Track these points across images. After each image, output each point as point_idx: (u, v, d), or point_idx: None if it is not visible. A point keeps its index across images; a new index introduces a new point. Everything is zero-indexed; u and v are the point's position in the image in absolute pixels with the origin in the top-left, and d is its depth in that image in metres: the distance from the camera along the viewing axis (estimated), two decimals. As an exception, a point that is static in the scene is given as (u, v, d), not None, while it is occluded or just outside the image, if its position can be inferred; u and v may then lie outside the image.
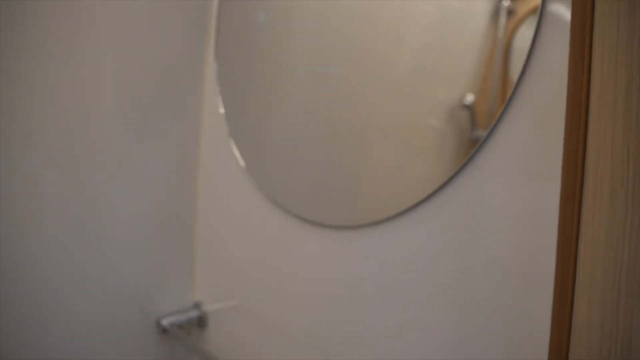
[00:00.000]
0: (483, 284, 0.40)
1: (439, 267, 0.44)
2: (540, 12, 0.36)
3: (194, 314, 0.72)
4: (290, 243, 0.59)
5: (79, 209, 0.62)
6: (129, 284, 0.67)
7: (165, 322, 0.68)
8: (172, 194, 0.71)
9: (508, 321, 0.39)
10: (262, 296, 0.63)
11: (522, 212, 0.38)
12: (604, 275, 0.28)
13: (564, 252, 0.30)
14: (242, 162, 0.63)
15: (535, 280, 0.37)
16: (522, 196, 0.38)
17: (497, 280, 0.40)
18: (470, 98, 0.40)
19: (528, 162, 0.38)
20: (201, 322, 0.72)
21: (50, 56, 0.58)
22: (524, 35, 0.37)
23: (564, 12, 0.35)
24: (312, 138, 0.56)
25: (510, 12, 0.38)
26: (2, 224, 0.56)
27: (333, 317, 0.54)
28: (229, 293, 0.69)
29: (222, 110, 0.67)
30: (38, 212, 0.59)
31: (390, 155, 0.48)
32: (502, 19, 0.39)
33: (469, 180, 0.41)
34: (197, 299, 0.74)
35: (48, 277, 0.60)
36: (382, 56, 0.48)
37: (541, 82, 0.37)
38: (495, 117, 0.38)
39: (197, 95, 0.71)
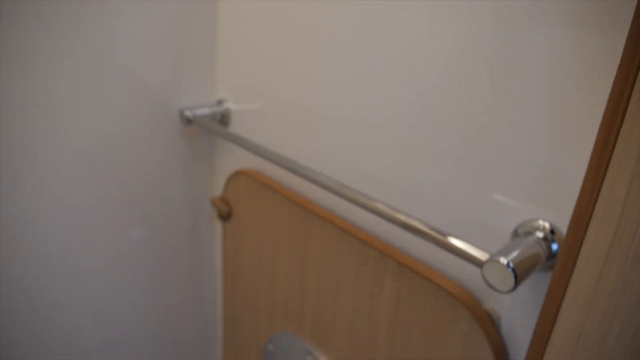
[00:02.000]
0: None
1: None
2: None
3: (217, 109, 0.72)
4: (315, 12, 0.55)
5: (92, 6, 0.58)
6: (149, 75, 0.67)
7: (188, 113, 0.69)
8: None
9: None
10: (288, 83, 0.61)
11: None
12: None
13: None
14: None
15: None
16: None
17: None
18: None
19: None
20: (224, 119, 0.73)
21: None
22: None
23: None
24: None
25: None
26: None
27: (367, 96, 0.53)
28: (252, 88, 0.68)
29: None
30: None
31: None
32: None
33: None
34: (219, 97, 0.74)
35: (69, 74, 0.59)
36: None
37: None
38: None
39: None
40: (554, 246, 0.38)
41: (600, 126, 0.31)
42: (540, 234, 0.38)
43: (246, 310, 0.76)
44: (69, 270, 0.69)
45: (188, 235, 0.82)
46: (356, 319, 0.55)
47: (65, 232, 0.66)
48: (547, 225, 0.38)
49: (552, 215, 0.38)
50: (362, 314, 0.54)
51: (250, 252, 0.71)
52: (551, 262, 0.38)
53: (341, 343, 0.58)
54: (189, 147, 0.75)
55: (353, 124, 0.54)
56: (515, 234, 0.40)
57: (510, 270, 0.33)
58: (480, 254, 0.37)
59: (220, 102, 0.73)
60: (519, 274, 0.34)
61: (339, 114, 0.55)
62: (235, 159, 0.74)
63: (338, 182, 0.51)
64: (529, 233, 0.38)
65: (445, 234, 0.40)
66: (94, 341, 0.76)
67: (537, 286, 0.41)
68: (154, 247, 0.77)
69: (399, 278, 0.48)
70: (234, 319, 0.80)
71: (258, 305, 0.72)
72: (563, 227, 0.38)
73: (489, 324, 0.42)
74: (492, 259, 0.34)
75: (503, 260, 0.33)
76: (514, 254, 0.34)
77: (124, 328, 0.79)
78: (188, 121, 0.70)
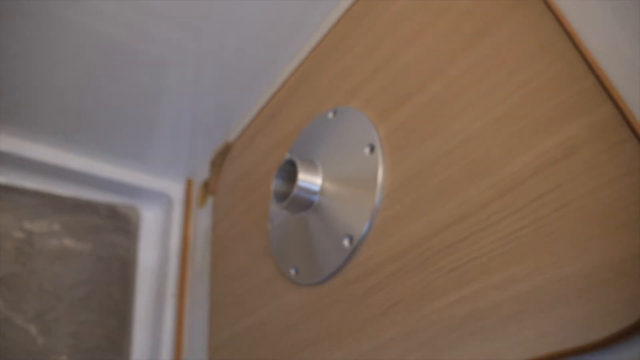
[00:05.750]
0: None
1: None
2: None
3: None
4: None
5: None
6: None
7: None
8: None
9: None
10: None
11: None
12: None
13: None
14: None
15: None
16: None
17: None
18: None
19: None
20: None
21: None
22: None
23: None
24: None
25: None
26: None
27: None
28: None
29: None
30: None
31: None
32: None
33: None
34: None
35: None
36: None
37: None
38: None
39: None
40: None
41: None
42: None
43: (336, 63, 0.61)
44: None
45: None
46: (469, 146, 0.40)
47: None
48: None
49: None
50: (479, 147, 0.38)
51: (396, 8, 0.54)
52: None
53: (420, 161, 0.44)
54: None
55: None
56: None
57: None
58: None
59: None
60: None
61: None
62: None
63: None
64: None
65: None
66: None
67: None
68: None
69: (602, 130, 0.31)
70: (318, 63, 0.66)
71: (353, 67, 0.57)
72: None
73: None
74: None
75: None
76: None
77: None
78: None
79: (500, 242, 0.34)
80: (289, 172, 0.54)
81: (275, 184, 0.55)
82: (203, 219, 0.94)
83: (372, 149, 0.49)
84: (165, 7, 0.70)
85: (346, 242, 0.48)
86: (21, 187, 0.94)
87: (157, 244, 1.03)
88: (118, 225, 1.04)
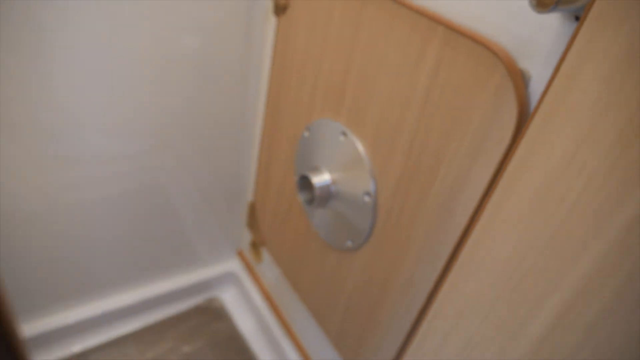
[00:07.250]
0: None
1: None
2: None
3: None
4: None
5: None
6: None
7: None
8: None
9: None
10: None
11: None
12: None
13: None
14: None
15: None
16: None
17: None
18: None
19: None
20: None
21: None
22: None
23: None
24: None
25: None
26: None
27: None
28: None
29: None
30: None
31: None
32: None
33: None
34: None
35: None
36: None
37: None
38: None
39: None
40: None
41: None
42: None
43: (287, 104, 0.82)
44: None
45: (239, 34, 0.86)
46: (392, 96, 0.60)
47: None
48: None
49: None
50: (397, 92, 0.59)
51: (300, 45, 0.76)
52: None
53: (373, 121, 0.64)
54: None
55: None
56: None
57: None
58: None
59: None
60: None
61: None
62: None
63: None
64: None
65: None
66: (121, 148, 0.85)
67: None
68: (204, 52, 0.82)
69: (445, 43, 0.52)
70: (275, 113, 0.87)
71: (300, 97, 0.78)
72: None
73: (519, 79, 0.46)
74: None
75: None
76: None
77: (165, 132, 0.87)
78: None
79: (435, 133, 0.55)
80: (305, 183, 0.75)
81: (301, 197, 0.75)
82: (269, 269, 1.14)
83: (345, 134, 0.70)
84: (139, 147, 0.91)
85: (367, 198, 0.68)
86: (126, 334, 1.14)
87: (247, 312, 1.22)
88: (211, 317, 1.23)
